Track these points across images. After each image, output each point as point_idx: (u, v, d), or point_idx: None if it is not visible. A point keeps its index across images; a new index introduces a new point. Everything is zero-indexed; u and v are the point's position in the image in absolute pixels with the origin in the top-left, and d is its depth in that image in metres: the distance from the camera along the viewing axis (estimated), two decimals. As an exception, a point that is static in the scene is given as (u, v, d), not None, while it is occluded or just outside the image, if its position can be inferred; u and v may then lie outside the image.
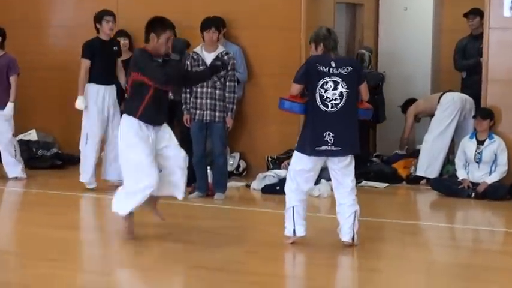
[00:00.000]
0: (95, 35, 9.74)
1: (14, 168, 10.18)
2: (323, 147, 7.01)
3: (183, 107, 9.12)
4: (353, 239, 7.09)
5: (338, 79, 6.98)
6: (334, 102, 6.97)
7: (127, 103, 7.22)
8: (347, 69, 7.04)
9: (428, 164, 9.97)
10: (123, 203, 7.19)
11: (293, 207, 7.13)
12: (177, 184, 7.26)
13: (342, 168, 7.13)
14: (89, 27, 10.11)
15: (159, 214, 7.55)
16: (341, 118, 7.01)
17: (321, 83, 6.95)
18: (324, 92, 6.96)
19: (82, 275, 6.53)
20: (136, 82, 7.01)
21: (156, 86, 6.97)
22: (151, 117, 7.09)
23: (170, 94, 10.28)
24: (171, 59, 7.10)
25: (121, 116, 7.37)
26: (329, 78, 6.96)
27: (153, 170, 7.01)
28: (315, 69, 6.98)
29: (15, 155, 10.21)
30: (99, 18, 9.57)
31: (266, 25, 10.33)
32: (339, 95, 6.97)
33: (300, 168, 7.10)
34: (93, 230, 8.21)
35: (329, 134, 6.98)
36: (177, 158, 7.24)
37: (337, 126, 6.99)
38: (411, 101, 10.73)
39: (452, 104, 9.99)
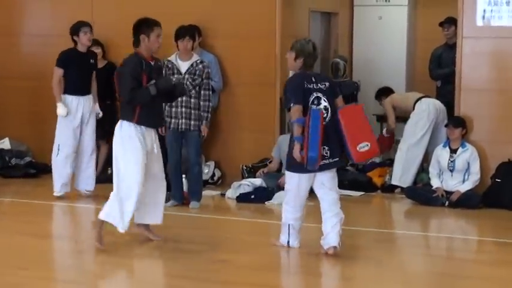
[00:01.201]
0: (69, 43, 9.71)
1: None
2: (322, 162, 7.05)
3: (158, 115, 9.08)
4: (339, 244, 7.17)
5: (320, 94, 7.09)
6: (324, 116, 7.05)
7: (122, 107, 7.23)
8: (325, 84, 7.16)
9: (402, 173, 10.00)
10: (118, 214, 7.08)
11: (289, 224, 7.31)
12: (158, 210, 7.42)
13: (331, 179, 7.26)
14: (64, 36, 10.07)
15: (155, 235, 7.55)
16: (331, 131, 7.09)
17: (311, 99, 7.06)
18: (315, 107, 7.03)
19: (54, 284, 6.49)
20: None
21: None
22: (149, 120, 7.16)
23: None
24: (161, 82, 7.12)
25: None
26: (314, 93, 7.07)
27: (142, 178, 7.07)
28: (303, 86, 7.07)
29: None
30: (76, 30, 9.54)
31: (241, 34, 10.34)
32: (325, 109, 7.07)
33: (299, 188, 7.21)
34: (65, 239, 8.15)
35: (324, 148, 7.05)
36: (160, 182, 7.39)
37: (330, 139, 7.07)
38: (385, 90, 10.66)
39: (427, 113, 10.01)
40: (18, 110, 11.51)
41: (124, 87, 7.02)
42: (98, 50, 10.51)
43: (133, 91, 6.98)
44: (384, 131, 10.67)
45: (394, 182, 10.07)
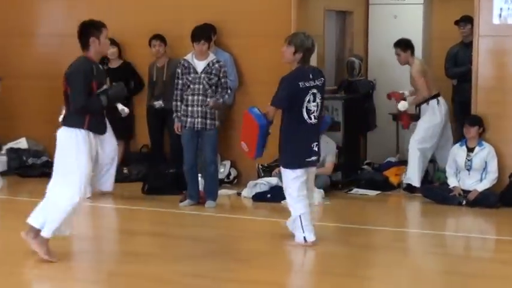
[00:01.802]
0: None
1: None
2: (312, 158, 7.29)
3: (174, 114, 9.11)
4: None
5: (315, 91, 7.25)
6: (315, 113, 7.25)
7: (69, 113, 6.77)
8: (320, 80, 7.33)
9: (416, 173, 9.93)
10: (50, 219, 6.76)
11: (300, 215, 7.28)
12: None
13: (312, 174, 7.45)
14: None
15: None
16: (318, 127, 7.35)
17: (307, 98, 7.19)
18: (309, 106, 7.20)
19: (70, 284, 6.50)
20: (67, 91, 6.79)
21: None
22: (99, 126, 6.87)
23: (161, 102, 10.40)
24: (111, 88, 6.95)
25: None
26: (311, 91, 7.20)
27: (84, 186, 6.76)
28: (297, 88, 7.16)
29: None
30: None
31: (256, 33, 10.33)
32: (316, 106, 7.25)
33: (297, 181, 7.27)
34: (80, 238, 8.17)
35: (316, 145, 7.27)
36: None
37: (318, 136, 7.34)
38: (408, 43, 10.16)
39: (442, 113, 9.99)
40: (34, 110, 11.55)
41: (76, 93, 6.67)
42: (113, 49, 10.55)
43: (86, 99, 6.68)
44: (401, 104, 10.10)
45: (407, 181, 9.97)
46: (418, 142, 9.96)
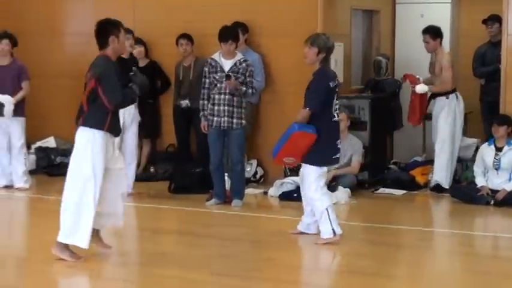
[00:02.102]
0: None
1: (22, 177, 10.07)
2: (337, 155, 7.50)
3: (201, 113, 9.13)
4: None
5: (337, 89, 7.47)
6: (337, 111, 7.47)
7: (91, 114, 6.68)
8: (338, 81, 7.55)
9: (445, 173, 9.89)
10: (78, 229, 6.69)
11: (327, 208, 7.32)
12: (117, 213, 6.99)
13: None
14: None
15: (105, 245, 7.08)
16: (338, 125, 7.58)
17: (335, 96, 7.38)
18: (335, 104, 7.39)
19: (100, 282, 6.54)
20: (95, 90, 6.67)
21: (105, 102, 6.61)
22: (116, 128, 6.84)
23: (187, 101, 10.42)
24: (136, 75, 6.94)
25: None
26: (336, 89, 7.42)
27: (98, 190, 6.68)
28: (329, 88, 7.34)
29: (25, 164, 10.16)
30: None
31: (282, 32, 10.34)
32: (337, 104, 7.45)
33: (323, 177, 7.44)
34: (110, 236, 8.20)
35: (339, 142, 7.48)
36: (119, 184, 6.96)
37: (339, 133, 7.56)
38: (438, 31, 10.03)
39: (457, 106, 9.90)
40: (62, 109, 11.61)
41: (113, 90, 6.59)
42: (140, 49, 10.60)
43: (122, 93, 6.67)
44: (420, 87, 9.92)
45: (443, 184, 9.90)
46: (443, 143, 9.88)
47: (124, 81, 6.84)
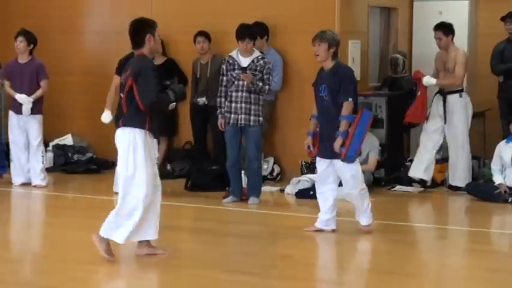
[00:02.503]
0: (129, 40, 9.75)
1: (39, 174, 10.10)
2: None
3: (218, 111, 9.14)
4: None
5: None
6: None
7: (130, 114, 6.57)
8: None
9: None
10: (122, 227, 6.66)
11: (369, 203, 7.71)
12: (151, 225, 6.82)
13: None
14: (124, 33, 10.08)
15: (156, 250, 6.91)
16: None
17: None
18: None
19: (118, 280, 6.56)
20: (132, 89, 6.56)
21: (138, 102, 6.51)
22: (156, 128, 6.72)
23: (204, 99, 10.43)
24: (173, 83, 6.93)
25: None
26: None
27: (152, 188, 6.64)
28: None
29: (43, 161, 10.21)
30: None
31: (300, 30, 10.31)
32: None
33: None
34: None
35: None
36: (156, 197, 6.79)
37: None
38: (450, 27, 9.99)
39: (468, 104, 9.87)
40: (79, 107, 11.68)
41: (149, 90, 6.49)
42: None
43: (158, 95, 6.56)
44: (426, 78, 9.81)
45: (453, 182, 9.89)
46: (463, 146, 9.81)
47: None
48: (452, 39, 9.92)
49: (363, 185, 7.64)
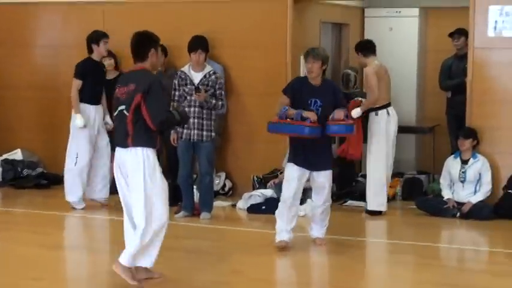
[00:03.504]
0: (81, 54, 9.75)
1: None
2: None
3: (169, 126, 9.11)
4: None
5: None
6: None
7: (140, 132, 6.34)
8: None
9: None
10: (144, 253, 6.46)
11: None
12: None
13: None
14: (75, 47, 10.13)
15: (154, 274, 6.71)
16: None
17: None
18: None
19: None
20: (140, 106, 6.34)
21: (146, 119, 6.31)
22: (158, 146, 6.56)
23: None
24: (179, 107, 6.87)
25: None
26: None
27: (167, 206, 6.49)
28: None
29: None
30: (97, 39, 9.56)
31: (252, 44, 10.37)
32: None
33: None
34: (78, 250, 8.17)
35: None
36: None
37: None
38: (370, 44, 9.76)
39: (388, 121, 9.54)
40: (29, 121, 11.55)
41: (158, 107, 6.32)
42: (110, 61, 10.56)
43: (166, 113, 6.44)
44: (354, 111, 9.12)
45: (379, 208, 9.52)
46: (376, 164, 9.40)
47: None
48: (364, 56, 9.62)
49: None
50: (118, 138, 6.49)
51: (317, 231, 7.88)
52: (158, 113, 6.30)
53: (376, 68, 9.51)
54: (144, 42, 6.57)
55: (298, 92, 7.63)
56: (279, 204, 7.73)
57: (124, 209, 6.51)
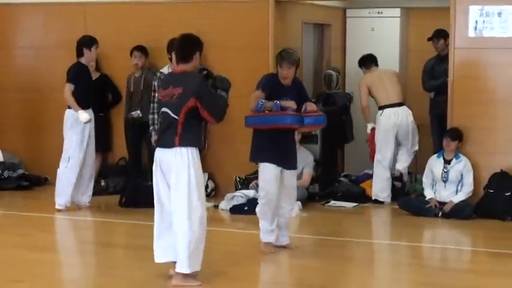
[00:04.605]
0: (63, 55, 9.73)
1: None
2: None
3: (151, 127, 9.10)
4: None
5: None
6: None
7: (188, 133, 6.44)
8: None
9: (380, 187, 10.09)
10: (196, 256, 6.55)
11: None
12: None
13: None
14: (57, 48, 10.08)
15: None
16: None
17: None
18: None
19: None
20: (193, 109, 6.43)
21: (208, 120, 6.52)
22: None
23: (138, 112, 10.40)
24: (215, 80, 6.75)
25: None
26: None
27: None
28: None
29: None
30: (89, 43, 9.52)
31: (234, 45, 10.37)
32: None
33: None
34: (60, 252, 8.14)
35: None
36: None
37: None
38: (369, 57, 10.59)
39: (386, 130, 10.11)
40: (11, 123, 11.49)
41: (216, 104, 6.52)
42: (91, 62, 10.52)
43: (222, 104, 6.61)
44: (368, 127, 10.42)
45: (375, 197, 10.09)
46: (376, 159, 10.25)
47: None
48: (371, 68, 10.50)
49: None
50: (162, 138, 6.52)
51: (285, 237, 7.73)
52: (218, 109, 6.51)
53: (368, 78, 10.38)
54: (190, 45, 6.61)
55: (271, 90, 7.58)
56: (261, 203, 7.66)
57: (158, 209, 6.56)
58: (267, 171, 7.53)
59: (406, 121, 10.20)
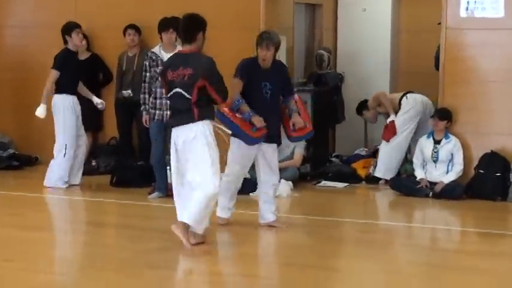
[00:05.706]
0: (52, 35, 9.68)
1: None
2: None
3: (142, 107, 9.08)
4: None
5: None
6: None
7: (203, 109, 6.78)
8: None
9: (386, 166, 10.02)
10: (202, 214, 6.85)
11: None
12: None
13: None
14: (46, 28, 10.01)
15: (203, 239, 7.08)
16: None
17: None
18: None
19: (37, 276, 6.45)
20: (202, 88, 6.74)
21: (215, 98, 6.82)
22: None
23: (129, 91, 10.39)
24: None
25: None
26: None
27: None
28: None
29: None
30: (68, 30, 9.49)
31: (225, 25, 10.32)
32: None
33: None
34: (50, 231, 8.14)
35: None
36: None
37: None
38: (365, 103, 10.69)
39: (413, 107, 10.06)
40: (1, 102, 11.45)
41: (222, 84, 6.83)
42: (82, 42, 10.47)
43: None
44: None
45: (377, 174, 10.09)
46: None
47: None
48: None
49: None
50: (176, 117, 6.82)
51: (272, 213, 7.68)
52: (224, 89, 6.82)
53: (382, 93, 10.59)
54: (193, 25, 6.78)
55: (250, 75, 7.51)
56: (225, 180, 7.56)
57: (177, 180, 6.90)
58: (236, 147, 7.49)
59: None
